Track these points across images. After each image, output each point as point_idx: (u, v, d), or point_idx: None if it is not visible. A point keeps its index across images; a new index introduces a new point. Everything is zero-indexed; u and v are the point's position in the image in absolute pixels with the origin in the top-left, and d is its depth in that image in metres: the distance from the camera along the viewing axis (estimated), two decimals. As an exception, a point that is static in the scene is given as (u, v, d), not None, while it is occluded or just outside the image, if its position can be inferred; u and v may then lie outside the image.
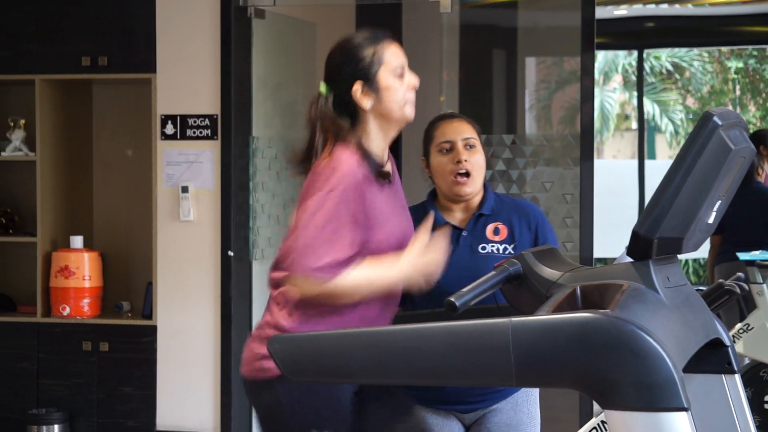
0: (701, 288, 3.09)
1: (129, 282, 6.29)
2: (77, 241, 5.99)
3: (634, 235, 2.40)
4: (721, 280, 2.98)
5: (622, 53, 16.70)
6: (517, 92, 9.58)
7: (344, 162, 3.03)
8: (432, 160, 3.59)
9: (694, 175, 2.34)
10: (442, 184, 3.56)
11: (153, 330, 5.89)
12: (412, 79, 3.16)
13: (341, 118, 3.12)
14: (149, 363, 5.89)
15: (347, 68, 3.12)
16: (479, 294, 2.50)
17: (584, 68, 5.58)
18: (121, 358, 5.93)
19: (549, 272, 2.55)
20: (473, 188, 3.53)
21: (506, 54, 9.42)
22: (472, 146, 3.54)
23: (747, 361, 6.22)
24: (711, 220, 2.51)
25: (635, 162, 13.14)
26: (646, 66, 17.36)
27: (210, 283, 5.82)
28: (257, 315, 5.83)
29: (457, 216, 3.57)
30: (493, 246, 3.51)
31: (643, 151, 13.95)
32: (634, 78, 16.14)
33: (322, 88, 3.16)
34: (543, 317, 2.27)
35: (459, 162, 3.51)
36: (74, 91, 6.23)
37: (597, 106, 17.94)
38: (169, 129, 5.86)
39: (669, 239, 2.40)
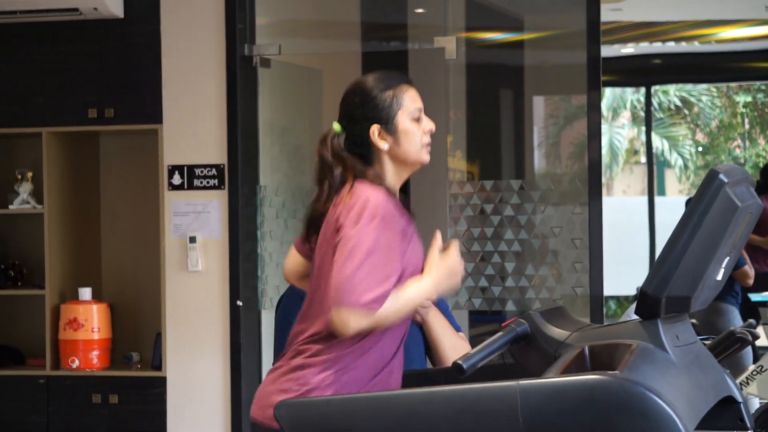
0: (713, 336, 3.07)
1: (138, 333, 6.27)
2: (86, 292, 5.98)
3: (642, 294, 2.38)
4: (732, 328, 2.96)
5: (630, 89, 16.72)
6: (525, 129, 9.59)
7: (372, 194, 3.05)
8: None
9: (702, 234, 2.33)
10: None
11: (162, 381, 5.87)
12: (428, 124, 3.19)
13: (354, 157, 3.14)
14: (159, 414, 5.86)
15: (365, 109, 3.15)
16: (487, 355, 2.48)
17: (591, 105, 5.57)
18: (131, 410, 5.90)
19: (557, 332, 2.53)
20: None
21: (513, 92, 9.44)
22: None
23: (761, 402, 6.18)
24: (720, 277, 2.49)
25: (645, 198, 13.12)
26: (655, 101, 17.38)
27: (219, 333, 5.80)
28: (267, 364, 5.80)
29: None
30: None
31: (653, 187, 13.94)
32: (642, 114, 16.14)
33: (336, 126, 3.18)
34: (551, 379, 2.26)
35: None
36: (81, 143, 6.23)
37: (606, 142, 17.96)
38: (176, 179, 5.86)
39: (677, 298, 2.39)
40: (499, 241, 5.58)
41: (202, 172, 5.83)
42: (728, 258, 2.48)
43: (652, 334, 2.39)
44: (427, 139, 3.18)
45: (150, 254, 6.11)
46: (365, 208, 3.01)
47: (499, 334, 2.53)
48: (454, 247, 3.14)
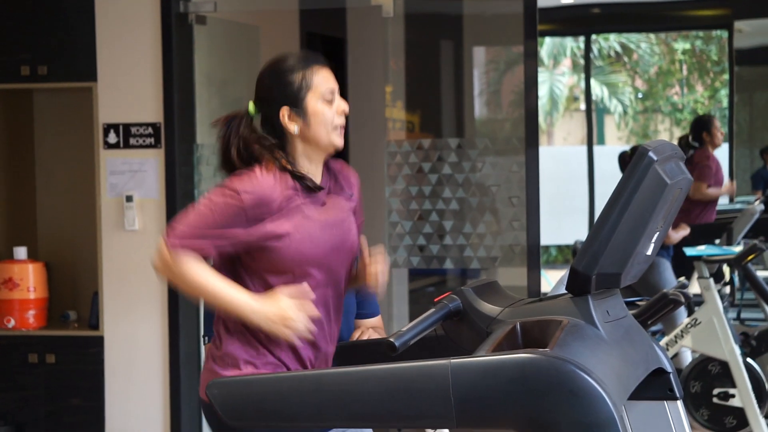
0: (646, 299, 3.09)
1: (75, 292, 6.23)
2: (21, 252, 5.92)
3: (573, 271, 2.40)
4: (665, 290, 2.98)
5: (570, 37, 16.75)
6: (465, 79, 9.59)
7: (256, 176, 3.06)
8: None
9: (631, 212, 2.34)
10: None
11: (100, 341, 5.84)
12: (341, 105, 3.16)
13: (267, 138, 3.13)
14: (97, 374, 5.84)
15: (275, 91, 3.13)
16: (419, 333, 2.49)
17: (527, 55, 5.56)
18: (68, 370, 5.87)
19: (489, 308, 2.54)
20: None
21: (453, 42, 9.42)
22: None
23: (696, 355, 6.27)
24: (649, 252, 2.51)
25: (584, 148, 13.19)
26: (595, 48, 17.43)
27: (157, 292, 5.77)
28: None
29: None
30: None
31: (592, 136, 14.02)
32: (582, 61, 16.19)
33: (251, 107, 3.16)
34: (482, 358, 2.26)
35: None
36: (14, 101, 6.15)
37: (546, 89, 18.01)
38: (112, 138, 5.80)
39: (608, 274, 2.41)
40: (437, 199, 5.58)
41: (138, 130, 5.78)
42: (658, 233, 2.49)
43: (582, 310, 2.41)
44: (339, 121, 3.15)
45: (86, 213, 6.06)
46: (234, 181, 3.06)
47: (432, 310, 2.53)
48: (303, 305, 3.06)
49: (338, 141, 3.15)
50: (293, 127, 3.11)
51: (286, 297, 3.03)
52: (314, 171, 3.17)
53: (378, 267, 3.19)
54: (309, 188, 3.11)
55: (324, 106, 3.12)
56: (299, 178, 3.10)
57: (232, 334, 3.12)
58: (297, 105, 3.11)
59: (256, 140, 3.13)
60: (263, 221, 3.05)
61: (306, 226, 3.09)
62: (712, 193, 7.91)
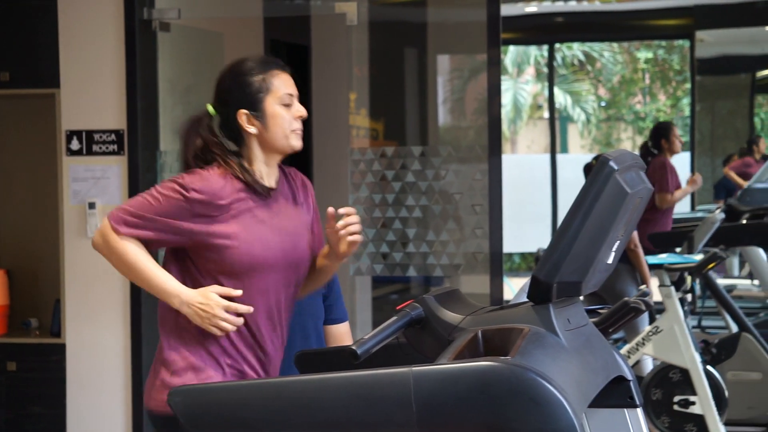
0: (608, 306, 3.11)
1: (37, 299, 6.19)
2: (-18, 258, 5.90)
3: (534, 279, 2.41)
4: (626, 299, 3.00)
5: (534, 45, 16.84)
6: (429, 87, 9.61)
7: (208, 174, 3.12)
8: None
9: (592, 220, 2.36)
10: None
11: (62, 348, 5.81)
12: (299, 109, 3.19)
13: (226, 141, 3.18)
14: (58, 382, 5.81)
15: (234, 93, 3.17)
16: (381, 341, 2.49)
17: (491, 63, 5.59)
18: (29, 377, 5.84)
19: (450, 316, 2.55)
20: None
21: (417, 50, 9.44)
22: None
23: (657, 362, 6.30)
24: (610, 261, 2.53)
25: (548, 156, 13.26)
26: (558, 56, 17.52)
27: (119, 300, 5.75)
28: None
29: None
30: None
31: (555, 144, 14.08)
32: (546, 70, 16.27)
33: (210, 109, 3.20)
34: (444, 366, 2.27)
35: None
36: (-24, 107, 6.11)
37: (510, 97, 18.09)
38: (75, 144, 5.78)
39: (568, 283, 2.42)
40: (400, 207, 5.60)
41: (101, 137, 5.76)
42: (618, 242, 2.51)
43: (543, 318, 2.42)
44: (296, 125, 3.18)
45: (48, 220, 6.03)
46: (184, 176, 3.12)
47: (394, 318, 2.54)
48: (231, 306, 3.11)
49: (297, 143, 3.20)
50: (251, 129, 3.15)
51: (215, 293, 3.08)
52: (270, 173, 3.21)
53: (351, 229, 3.19)
54: (261, 191, 3.15)
55: (282, 109, 3.16)
56: (253, 181, 3.14)
57: (173, 339, 3.14)
58: (255, 108, 3.15)
59: (214, 144, 3.17)
60: (210, 219, 3.09)
61: (256, 229, 3.13)
62: (678, 197, 7.99)
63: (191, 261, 3.15)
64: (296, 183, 3.31)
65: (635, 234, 7.10)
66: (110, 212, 3.14)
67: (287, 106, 3.17)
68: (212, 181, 3.10)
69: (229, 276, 3.12)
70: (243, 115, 3.15)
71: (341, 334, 3.66)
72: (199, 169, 3.14)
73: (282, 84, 3.17)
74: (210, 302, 3.07)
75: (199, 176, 3.11)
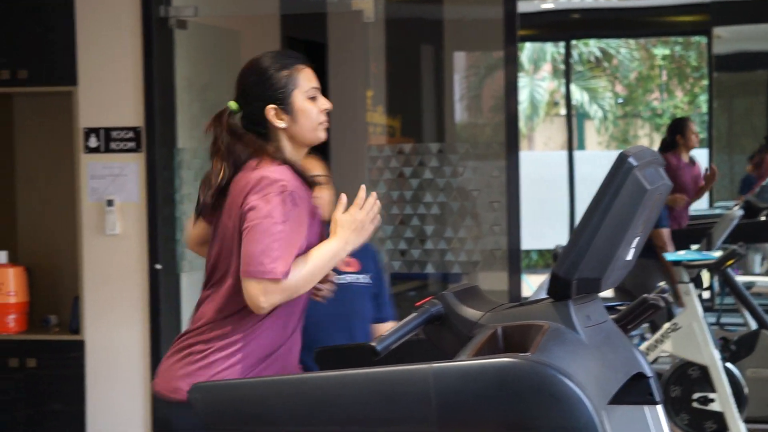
0: (627, 303, 3.11)
1: (56, 296, 6.21)
2: (1, 256, 5.91)
3: (554, 276, 2.41)
4: (645, 295, 2.99)
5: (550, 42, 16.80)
6: (446, 84, 9.60)
7: (278, 171, 3.09)
8: None
9: (611, 217, 2.36)
10: None
11: (81, 345, 5.83)
12: (324, 103, 3.24)
13: (251, 135, 3.18)
14: (78, 378, 5.83)
15: (260, 88, 3.18)
16: (401, 337, 2.50)
17: (507, 60, 5.58)
18: (49, 374, 5.86)
19: (470, 312, 2.55)
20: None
21: (433, 47, 9.43)
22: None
23: (676, 359, 6.29)
24: (629, 257, 2.53)
25: (565, 153, 13.23)
26: (575, 53, 17.48)
27: (138, 297, 5.77)
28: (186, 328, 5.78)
29: None
30: (347, 276, 3.80)
31: (572, 141, 14.06)
32: (563, 67, 16.24)
33: (233, 105, 3.21)
34: (464, 362, 2.28)
35: None
36: (-6, 105, 6.14)
37: (527, 94, 18.05)
38: (93, 142, 5.80)
39: (588, 279, 2.42)
40: (418, 204, 5.60)
41: (118, 134, 5.77)
42: (638, 238, 2.51)
43: (563, 315, 2.42)
44: (323, 118, 3.23)
45: (67, 217, 6.05)
46: (274, 184, 3.04)
47: (414, 315, 2.54)
48: (361, 201, 3.15)
49: (323, 135, 3.25)
50: (280, 123, 3.17)
51: (348, 215, 3.12)
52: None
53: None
54: (308, 182, 3.16)
55: (309, 103, 3.20)
56: (300, 171, 3.15)
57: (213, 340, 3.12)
58: (284, 102, 3.17)
59: (248, 136, 3.17)
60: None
61: (312, 221, 3.16)
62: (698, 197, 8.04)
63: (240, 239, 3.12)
64: None
65: (666, 231, 7.09)
66: (260, 274, 2.98)
67: (313, 99, 3.21)
68: (278, 169, 3.09)
69: None
70: (272, 110, 3.17)
71: None
72: (255, 169, 3.11)
73: (307, 78, 3.21)
74: (356, 221, 3.12)
75: (268, 170, 3.08)
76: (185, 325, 5.87)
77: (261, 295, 2.96)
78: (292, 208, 3.03)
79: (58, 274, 6.22)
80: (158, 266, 5.73)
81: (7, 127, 6.24)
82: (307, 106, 3.19)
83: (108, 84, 5.77)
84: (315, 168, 3.77)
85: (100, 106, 5.78)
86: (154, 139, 5.73)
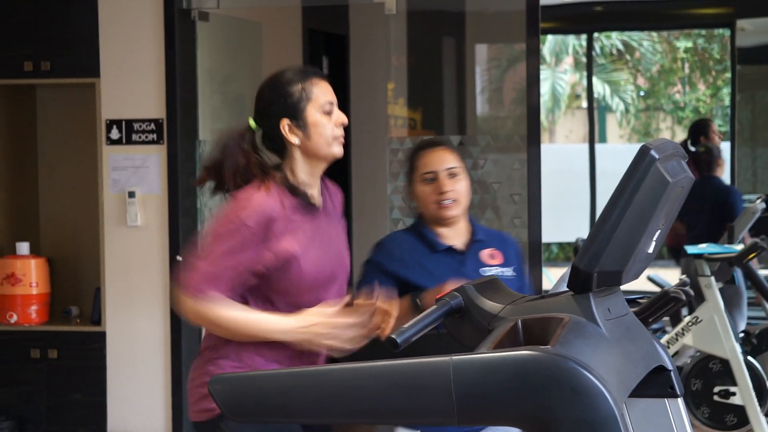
0: (648, 295, 3.10)
1: (77, 287, 6.24)
2: (23, 247, 5.94)
3: (574, 269, 2.40)
4: (666, 288, 2.99)
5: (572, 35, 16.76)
6: (467, 76, 9.59)
7: (256, 197, 3.07)
8: (416, 188, 3.75)
9: (633, 210, 2.35)
10: (426, 211, 3.74)
11: (102, 336, 5.85)
12: (340, 116, 3.19)
13: (268, 153, 3.17)
14: (99, 369, 5.85)
15: (274, 104, 3.15)
16: (421, 329, 2.49)
17: (530, 52, 5.57)
18: (70, 365, 5.88)
19: (490, 305, 2.55)
20: (458, 211, 3.71)
21: (455, 40, 9.42)
22: (454, 175, 3.70)
23: (696, 353, 6.27)
24: (651, 250, 2.52)
25: (586, 146, 13.19)
26: (597, 46, 17.43)
27: (159, 288, 5.79)
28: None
29: (455, 240, 3.73)
30: (492, 269, 3.72)
31: (594, 134, 14.02)
32: (584, 59, 16.19)
33: (252, 123, 3.19)
34: (484, 355, 2.27)
35: (443, 193, 3.67)
36: (17, 97, 6.16)
37: (548, 86, 18.01)
38: (115, 134, 5.81)
39: (609, 272, 2.41)
40: (438, 196, 5.58)
41: (140, 126, 5.79)
42: (660, 231, 2.50)
43: (584, 308, 2.41)
44: (338, 132, 3.17)
45: (89, 209, 6.07)
46: (240, 208, 3.05)
47: (434, 307, 2.54)
48: (360, 313, 3.11)
49: (338, 151, 3.19)
50: (294, 139, 3.14)
51: (317, 314, 3.08)
52: (314, 184, 3.21)
53: (385, 318, 3.19)
54: (308, 205, 3.14)
55: (323, 117, 3.15)
56: (301, 194, 3.13)
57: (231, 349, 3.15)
58: (297, 117, 3.14)
59: (254, 164, 3.14)
60: (274, 238, 3.08)
61: (309, 246, 3.13)
62: None
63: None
64: (330, 193, 3.33)
65: None
66: (185, 282, 3.05)
67: (328, 113, 3.16)
68: (262, 200, 3.07)
69: (280, 293, 3.12)
70: (285, 125, 3.13)
71: None
72: (240, 195, 3.10)
73: (322, 92, 3.16)
74: (331, 329, 3.08)
75: (247, 200, 3.07)
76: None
77: (184, 306, 3.06)
78: (235, 236, 3.02)
79: (79, 266, 6.25)
80: (180, 258, 5.75)
81: (30, 118, 6.27)
82: (322, 120, 3.14)
83: (130, 76, 5.78)
84: (447, 160, 3.73)
85: (122, 97, 5.80)
86: (176, 130, 5.74)
